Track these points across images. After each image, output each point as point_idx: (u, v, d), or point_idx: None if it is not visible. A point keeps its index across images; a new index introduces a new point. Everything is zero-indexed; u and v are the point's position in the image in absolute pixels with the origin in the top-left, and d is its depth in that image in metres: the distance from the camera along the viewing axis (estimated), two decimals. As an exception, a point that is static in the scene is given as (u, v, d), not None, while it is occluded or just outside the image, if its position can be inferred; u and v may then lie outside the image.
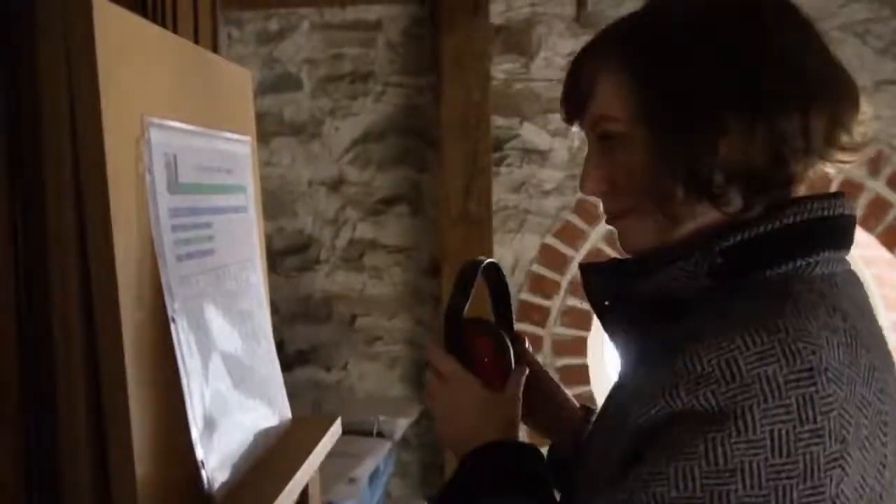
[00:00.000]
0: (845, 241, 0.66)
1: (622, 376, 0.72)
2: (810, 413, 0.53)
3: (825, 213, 0.64)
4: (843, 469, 0.54)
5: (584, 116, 0.69)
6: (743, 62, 0.62)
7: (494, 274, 0.83)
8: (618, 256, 0.75)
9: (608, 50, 0.67)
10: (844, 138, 0.64)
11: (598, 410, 0.80)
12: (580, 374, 2.13)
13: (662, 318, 0.66)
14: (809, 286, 0.61)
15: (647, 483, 0.56)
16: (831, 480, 0.53)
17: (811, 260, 0.63)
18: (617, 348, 0.74)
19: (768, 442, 0.53)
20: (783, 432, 0.53)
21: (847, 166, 0.68)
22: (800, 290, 0.60)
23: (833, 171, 0.67)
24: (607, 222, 0.71)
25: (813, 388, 0.54)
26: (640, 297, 0.68)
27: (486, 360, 0.77)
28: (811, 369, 0.54)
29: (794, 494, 0.53)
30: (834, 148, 0.65)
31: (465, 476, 0.73)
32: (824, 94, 0.63)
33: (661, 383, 0.58)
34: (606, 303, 0.73)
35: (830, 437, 0.54)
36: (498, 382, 0.77)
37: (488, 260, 0.81)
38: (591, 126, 0.69)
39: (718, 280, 0.63)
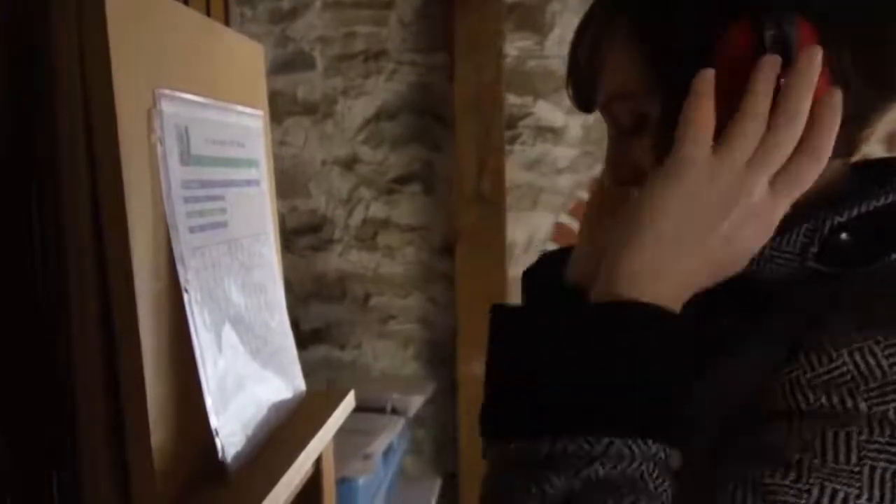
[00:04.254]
0: None
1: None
2: None
3: None
4: None
5: (597, 100, 0.61)
6: None
7: None
8: None
9: (608, 16, 0.58)
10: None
11: None
12: (594, 353, 2.13)
13: (740, 303, 0.55)
14: None
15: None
16: None
17: None
18: None
19: None
20: None
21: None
22: None
23: None
24: None
25: None
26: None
27: None
28: None
29: None
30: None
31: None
32: (890, 11, 0.52)
33: (809, 377, 0.46)
34: None
35: None
36: None
37: None
38: (605, 108, 0.60)
39: (829, 265, 0.52)
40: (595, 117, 2.12)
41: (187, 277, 0.79)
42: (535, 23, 2.09)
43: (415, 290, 2.21)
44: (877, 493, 0.43)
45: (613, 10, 0.57)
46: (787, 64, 0.48)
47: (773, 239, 0.52)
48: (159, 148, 0.75)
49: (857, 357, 0.45)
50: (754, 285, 0.54)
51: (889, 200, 0.52)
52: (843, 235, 0.51)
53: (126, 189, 0.70)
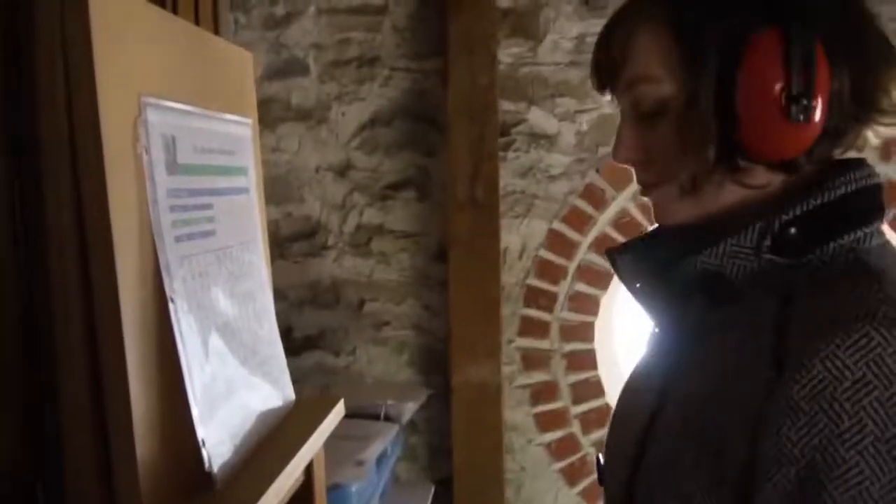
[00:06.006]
0: (883, 210, 0.66)
1: (670, 350, 0.70)
2: None
3: (867, 182, 0.64)
4: None
5: (618, 83, 0.68)
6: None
7: None
8: (646, 233, 0.75)
9: (645, 7, 0.66)
10: (886, 101, 0.63)
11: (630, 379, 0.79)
12: (587, 359, 2.13)
13: (708, 296, 0.65)
14: (879, 259, 0.61)
15: None
16: None
17: (868, 231, 0.62)
18: (653, 321, 0.73)
19: None
20: None
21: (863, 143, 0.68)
22: (879, 268, 0.60)
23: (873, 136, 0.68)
24: (641, 193, 0.71)
25: None
26: (682, 278, 0.66)
27: None
28: None
29: None
30: (877, 111, 0.63)
31: None
32: (871, 50, 0.62)
33: (798, 392, 0.54)
34: (637, 284, 0.71)
35: None
36: None
37: None
38: (626, 90, 0.68)
39: (783, 256, 0.62)
40: (588, 124, 2.12)
41: (173, 287, 0.78)
42: (528, 29, 2.09)
43: (409, 296, 2.20)
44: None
45: (651, 4, 0.65)
46: (801, 76, 0.58)
47: (731, 236, 0.63)
48: (145, 157, 0.75)
49: (828, 364, 0.54)
50: (721, 279, 0.63)
51: (826, 199, 0.62)
52: (792, 230, 0.61)
53: (111, 198, 0.70)
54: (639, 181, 0.70)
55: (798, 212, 0.62)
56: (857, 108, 0.62)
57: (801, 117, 0.58)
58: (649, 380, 0.73)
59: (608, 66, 0.68)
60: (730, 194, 0.65)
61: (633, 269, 0.71)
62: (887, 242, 0.65)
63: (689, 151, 0.63)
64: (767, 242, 0.62)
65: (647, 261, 0.70)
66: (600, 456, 0.80)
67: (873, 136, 1.92)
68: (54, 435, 0.73)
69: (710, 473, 0.59)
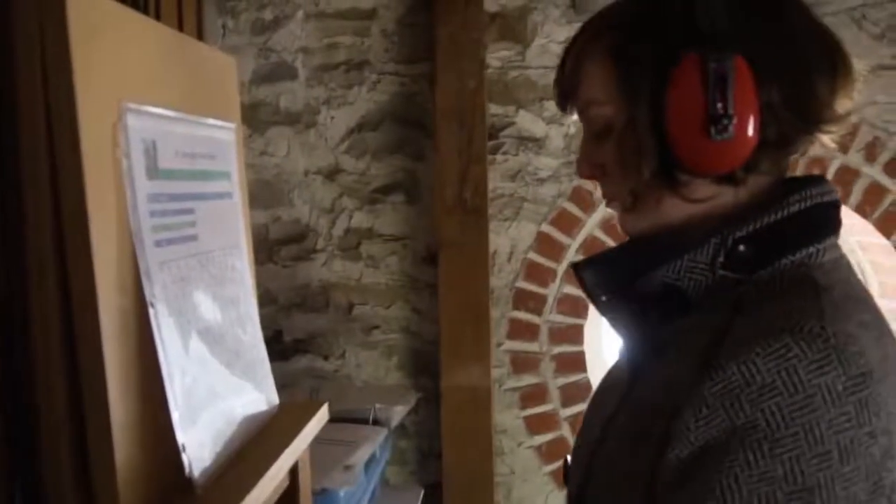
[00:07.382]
0: (838, 226, 0.68)
1: (633, 360, 0.73)
2: (865, 416, 0.55)
3: (823, 199, 0.66)
4: (893, 459, 0.56)
5: (576, 105, 0.73)
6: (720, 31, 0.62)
7: None
8: (611, 248, 0.78)
9: (591, 36, 0.70)
10: (828, 108, 0.64)
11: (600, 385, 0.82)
12: (577, 362, 2.13)
13: (667, 310, 0.66)
14: (827, 276, 0.62)
15: None
16: (889, 473, 0.55)
17: (821, 247, 0.64)
18: (619, 333, 0.75)
19: (836, 453, 0.54)
20: (847, 440, 0.54)
21: (830, 146, 0.69)
22: (826, 284, 0.61)
23: (830, 145, 0.69)
24: (606, 205, 0.74)
25: (867, 392, 0.55)
26: (643, 292, 0.68)
27: None
28: (863, 374, 0.55)
29: (862, 497, 0.54)
30: (822, 119, 0.65)
31: None
32: (804, 60, 0.63)
33: (710, 389, 0.57)
34: (603, 298, 0.73)
35: (883, 435, 0.55)
36: None
37: None
38: (581, 113, 0.72)
39: (735, 272, 0.64)
40: (575, 127, 2.13)
41: (153, 292, 0.78)
42: (516, 33, 2.10)
43: (398, 299, 2.20)
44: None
45: (596, 34, 0.70)
46: (724, 91, 0.60)
47: (689, 252, 0.65)
48: (124, 162, 0.75)
49: (743, 368, 0.56)
50: (679, 294, 0.65)
51: (779, 216, 0.64)
52: (741, 247, 0.64)
53: (89, 203, 0.70)
54: (602, 194, 0.74)
55: (751, 229, 0.64)
56: (797, 118, 0.63)
57: (723, 135, 0.61)
58: (617, 384, 0.75)
59: (566, 90, 0.73)
60: (674, 208, 0.67)
61: (598, 284, 0.73)
62: (842, 257, 0.66)
63: (628, 167, 0.67)
64: (721, 258, 0.64)
65: (611, 275, 0.72)
66: (569, 457, 0.81)
67: (860, 138, 1.93)
68: (32, 439, 0.73)
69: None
